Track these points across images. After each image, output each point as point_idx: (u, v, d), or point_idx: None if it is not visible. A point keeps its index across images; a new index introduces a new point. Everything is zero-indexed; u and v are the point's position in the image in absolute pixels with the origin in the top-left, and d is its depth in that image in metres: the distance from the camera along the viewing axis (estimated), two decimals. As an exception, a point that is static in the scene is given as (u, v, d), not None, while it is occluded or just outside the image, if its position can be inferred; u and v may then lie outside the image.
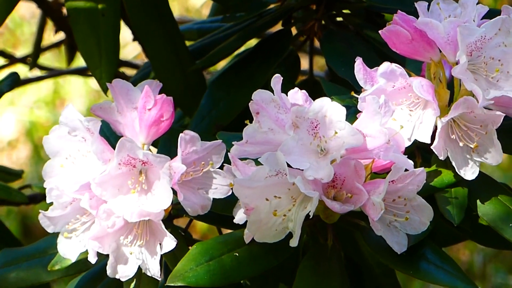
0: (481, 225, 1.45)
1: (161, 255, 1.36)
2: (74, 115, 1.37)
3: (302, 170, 1.24)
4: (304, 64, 2.05)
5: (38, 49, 2.44)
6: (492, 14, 1.47)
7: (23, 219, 3.52)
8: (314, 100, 1.36)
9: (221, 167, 1.38)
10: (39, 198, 2.18)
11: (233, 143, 1.30)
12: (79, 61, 2.72)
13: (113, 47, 1.74)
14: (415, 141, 1.38)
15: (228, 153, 1.31)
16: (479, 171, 1.36)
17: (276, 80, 1.30)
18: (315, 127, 1.25)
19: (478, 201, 1.35)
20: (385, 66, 1.36)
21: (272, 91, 1.31)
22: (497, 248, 1.50)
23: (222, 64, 2.03)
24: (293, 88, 2.01)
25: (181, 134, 1.36)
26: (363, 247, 1.49)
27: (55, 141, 1.39)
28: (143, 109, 1.39)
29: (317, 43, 1.95)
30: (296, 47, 1.96)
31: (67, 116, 1.38)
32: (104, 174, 1.33)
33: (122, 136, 1.41)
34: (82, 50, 1.74)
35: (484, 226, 1.44)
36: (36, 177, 3.69)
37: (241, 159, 1.32)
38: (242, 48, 1.92)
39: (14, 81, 1.84)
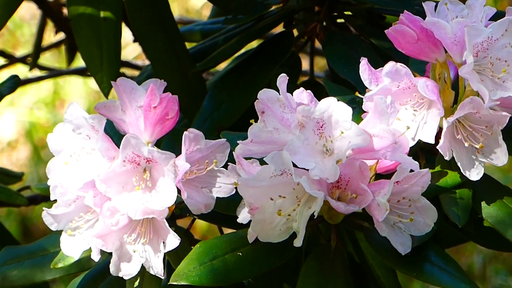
0: (484, 227, 1.45)
1: (164, 254, 1.35)
2: (79, 112, 1.37)
3: (308, 170, 1.23)
4: (305, 65, 2.04)
5: (38, 49, 2.44)
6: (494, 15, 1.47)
7: (23, 219, 3.51)
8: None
9: (225, 166, 1.38)
10: (39, 199, 2.17)
11: (238, 142, 1.30)
12: (79, 62, 2.72)
13: (115, 51, 1.74)
14: (419, 143, 1.37)
15: (233, 152, 1.31)
16: (484, 173, 1.36)
17: (282, 80, 1.29)
18: (321, 127, 1.25)
19: (482, 203, 1.35)
20: (390, 65, 1.35)
21: (276, 91, 1.31)
22: (500, 250, 1.50)
23: (222, 66, 2.03)
24: (295, 89, 2.02)
25: (185, 132, 1.35)
26: (364, 248, 1.48)
27: (59, 139, 1.38)
28: (148, 107, 1.38)
29: (317, 44, 1.95)
30: (297, 48, 1.96)
31: (72, 113, 1.38)
32: (109, 171, 1.33)
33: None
34: (84, 54, 1.74)
35: (487, 228, 1.44)
36: (36, 178, 3.68)
37: (246, 158, 1.32)
38: (243, 50, 1.92)
39: (15, 84, 1.83)
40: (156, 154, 1.32)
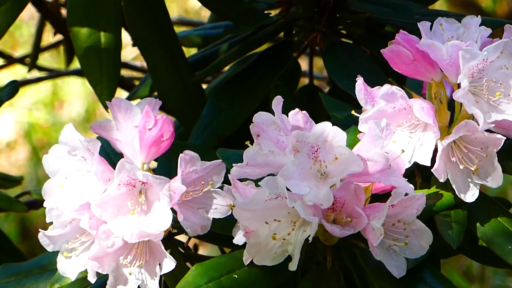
0: (480, 244, 1.45)
1: (161, 275, 1.36)
2: (74, 135, 1.37)
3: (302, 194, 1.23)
4: (304, 65, 2.04)
5: (37, 50, 2.44)
6: (492, 23, 1.47)
7: (21, 221, 3.52)
8: (314, 107, 1.36)
9: (221, 187, 1.38)
10: (38, 204, 2.18)
11: (233, 165, 1.30)
12: (78, 63, 2.71)
13: (114, 63, 1.73)
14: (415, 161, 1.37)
15: (228, 174, 1.31)
16: (479, 191, 1.36)
17: (277, 102, 1.29)
18: (316, 151, 1.25)
19: (477, 223, 1.35)
20: (386, 88, 1.35)
21: (272, 110, 1.31)
22: (496, 267, 1.50)
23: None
24: (293, 99, 2.01)
25: (181, 155, 1.35)
26: (362, 265, 1.49)
27: (54, 161, 1.39)
28: (144, 129, 1.38)
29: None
30: (297, 52, 1.96)
31: (67, 135, 1.38)
32: (104, 195, 1.33)
33: (121, 154, 1.41)
34: (83, 66, 1.74)
35: (483, 246, 1.44)
36: (34, 179, 3.68)
37: (241, 180, 1.32)
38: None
39: (14, 90, 1.83)
40: (151, 178, 1.33)
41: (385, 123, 1.28)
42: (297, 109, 1.33)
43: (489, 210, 1.37)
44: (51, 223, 1.37)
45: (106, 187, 1.35)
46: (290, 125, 1.30)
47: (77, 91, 4.04)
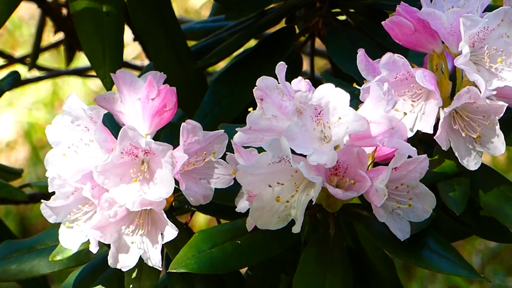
0: (483, 219, 1.45)
1: (163, 246, 1.35)
2: (78, 104, 1.37)
3: (305, 156, 1.24)
4: (305, 65, 2.05)
5: (37, 49, 2.44)
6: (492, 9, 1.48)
7: (21, 219, 3.50)
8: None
9: (223, 157, 1.38)
10: (39, 197, 2.17)
11: (236, 129, 1.30)
12: (78, 62, 2.73)
13: (117, 46, 1.74)
14: (417, 134, 1.38)
15: (231, 140, 1.31)
16: (481, 163, 1.37)
17: (281, 68, 1.30)
18: (319, 114, 1.25)
19: (480, 191, 1.35)
20: (387, 56, 1.36)
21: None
22: (500, 241, 1.50)
23: (222, 65, 2.04)
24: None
25: (183, 124, 1.36)
26: (361, 237, 1.49)
27: (57, 130, 1.39)
28: (146, 99, 1.39)
29: (318, 44, 1.95)
30: (297, 48, 1.97)
31: (70, 105, 1.38)
32: (107, 162, 1.33)
33: (124, 128, 1.41)
34: (86, 49, 1.74)
35: (486, 220, 1.45)
36: (34, 178, 3.67)
37: (244, 147, 1.32)
38: (245, 46, 1.93)
39: (15, 80, 1.84)
40: (153, 145, 1.33)
41: (387, 87, 1.28)
42: (300, 77, 1.34)
43: (491, 180, 1.38)
44: (53, 193, 1.37)
45: (109, 157, 1.35)
46: (293, 91, 1.30)
47: (77, 91, 4.04)
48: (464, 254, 3.42)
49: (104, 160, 1.34)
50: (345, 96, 1.24)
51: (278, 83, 1.29)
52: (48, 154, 1.39)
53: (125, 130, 1.33)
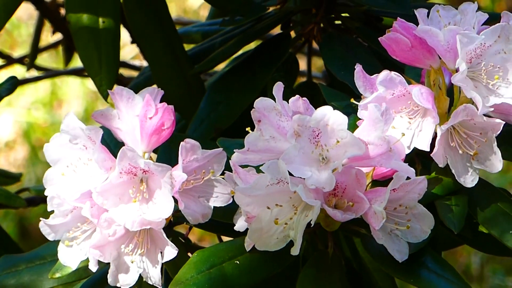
0: (481, 232, 1.45)
1: (162, 263, 1.36)
2: (76, 123, 1.37)
3: (304, 179, 1.24)
4: (302, 65, 2.05)
5: (36, 49, 2.44)
6: (489, 16, 1.48)
7: (20, 220, 3.52)
8: (313, 103, 1.37)
9: (222, 173, 1.38)
10: (37, 201, 2.18)
11: (234, 151, 1.30)
12: (77, 62, 2.72)
13: (113, 54, 1.74)
14: (415, 148, 1.38)
15: (230, 160, 1.32)
16: (479, 178, 1.37)
17: (278, 88, 1.30)
18: (317, 136, 1.25)
19: (478, 208, 1.36)
20: (385, 74, 1.36)
21: (272, 97, 1.31)
22: (497, 255, 1.50)
23: (221, 66, 2.04)
24: (291, 91, 2.01)
25: (182, 143, 1.36)
26: (362, 253, 1.49)
27: (56, 149, 1.39)
28: (144, 118, 1.39)
29: (315, 45, 1.95)
30: (295, 49, 1.96)
31: (68, 124, 1.38)
32: (106, 183, 1.33)
33: (122, 143, 1.41)
34: (83, 57, 1.74)
35: (484, 233, 1.45)
36: (33, 178, 3.68)
37: (242, 166, 1.32)
38: (241, 51, 1.93)
39: (13, 86, 1.83)
40: (152, 166, 1.33)
41: (385, 107, 1.28)
42: (297, 96, 1.34)
43: (489, 196, 1.38)
44: (52, 211, 1.37)
45: (108, 176, 1.35)
46: (291, 111, 1.30)
47: (76, 91, 4.05)
48: (463, 254, 3.45)
49: (103, 180, 1.35)
50: (343, 119, 1.24)
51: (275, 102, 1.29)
52: (46, 172, 1.40)
53: (124, 151, 1.33)
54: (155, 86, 1.46)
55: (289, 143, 1.26)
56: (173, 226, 1.46)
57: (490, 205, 1.36)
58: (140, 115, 1.39)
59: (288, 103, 1.32)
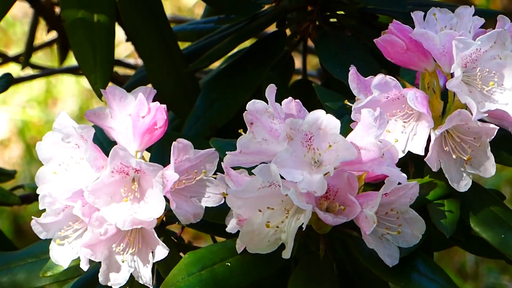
0: (474, 235, 1.45)
1: (153, 263, 1.36)
2: (68, 122, 1.37)
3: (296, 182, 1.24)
4: (297, 63, 2.05)
5: (31, 48, 2.44)
6: (485, 14, 1.47)
7: (15, 218, 3.52)
8: (308, 101, 1.36)
9: (215, 175, 1.38)
10: (32, 198, 2.18)
11: (226, 152, 1.30)
12: (72, 60, 2.71)
13: (108, 52, 1.73)
14: (409, 151, 1.38)
15: (222, 162, 1.31)
16: (472, 181, 1.37)
17: (271, 90, 1.29)
18: (309, 139, 1.25)
19: (470, 212, 1.35)
20: (379, 78, 1.35)
21: (265, 99, 1.31)
22: (490, 257, 1.50)
23: (216, 64, 2.03)
24: (287, 89, 2.00)
25: (174, 143, 1.35)
26: (356, 254, 1.49)
27: (48, 148, 1.39)
28: (137, 117, 1.38)
29: (310, 43, 1.95)
30: (290, 47, 1.96)
31: (61, 122, 1.38)
32: (97, 182, 1.33)
33: (115, 142, 1.41)
34: (77, 55, 1.73)
35: (477, 236, 1.44)
36: (28, 176, 3.68)
37: (234, 168, 1.32)
38: (236, 49, 1.92)
39: (7, 83, 1.83)
40: (144, 165, 1.33)
41: (379, 112, 1.28)
42: (290, 98, 1.33)
43: (482, 200, 1.38)
44: (44, 210, 1.37)
45: (99, 175, 1.35)
46: (283, 113, 1.30)
47: (70, 89, 4.04)
48: (458, 253, 3.45)
49: (94, 179, 1.34)
50: (336, 123, 1.24)
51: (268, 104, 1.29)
52: (39, 171, 1.40)
53: (115, 150, 1.33)
54: (148, 85, 1.46)
55: (281, 146, 1.25)
56: (166, 226, 1.46)
57: (482, 209, 1.36)
58: (133, 114, 1.39)
59: (281, 103, 1.31)
